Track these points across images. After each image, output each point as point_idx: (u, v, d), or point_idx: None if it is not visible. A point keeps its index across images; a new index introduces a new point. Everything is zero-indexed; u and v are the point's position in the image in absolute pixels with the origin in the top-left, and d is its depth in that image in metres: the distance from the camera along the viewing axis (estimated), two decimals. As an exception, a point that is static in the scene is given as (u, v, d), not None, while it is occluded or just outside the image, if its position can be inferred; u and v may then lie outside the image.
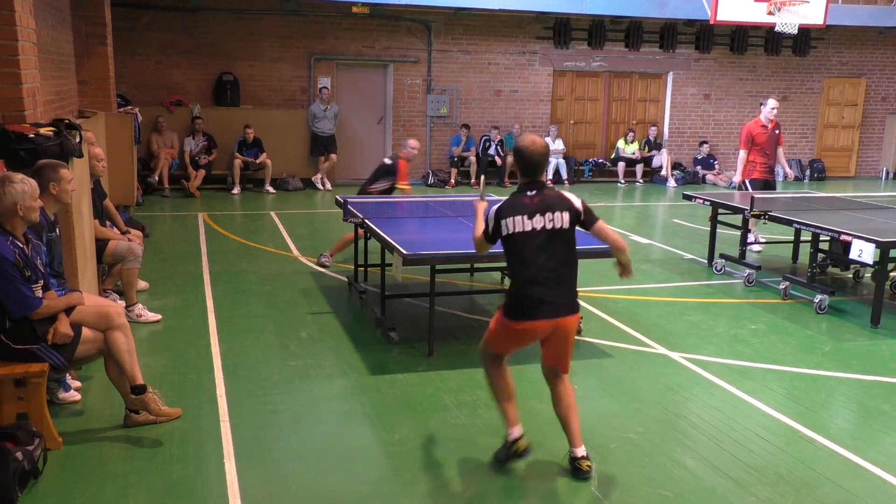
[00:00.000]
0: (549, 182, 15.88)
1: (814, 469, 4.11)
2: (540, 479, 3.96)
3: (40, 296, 4.06)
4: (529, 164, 3.90)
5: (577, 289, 3.93)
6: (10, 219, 3.97)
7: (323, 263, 8.19)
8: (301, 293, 7.23)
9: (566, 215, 3.83)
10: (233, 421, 4.49)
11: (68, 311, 4.22)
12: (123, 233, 6.69)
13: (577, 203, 3.88)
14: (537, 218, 3.80)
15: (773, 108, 9.29)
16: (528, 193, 3.87)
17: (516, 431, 3.98)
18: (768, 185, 9.37)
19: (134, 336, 4.45)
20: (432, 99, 15.29)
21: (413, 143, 8.42)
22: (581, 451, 3.94)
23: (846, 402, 5.11)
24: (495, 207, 3.95)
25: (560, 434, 4.42)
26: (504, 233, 3.87)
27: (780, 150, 9.49)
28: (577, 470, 3.92)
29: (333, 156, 14.21)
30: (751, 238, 8.55)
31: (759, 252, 9.30)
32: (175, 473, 3.90)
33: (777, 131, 9.35)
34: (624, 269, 4.02)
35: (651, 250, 9.56)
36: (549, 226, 3.80)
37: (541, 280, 3.76)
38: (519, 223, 3.82)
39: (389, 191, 8.20)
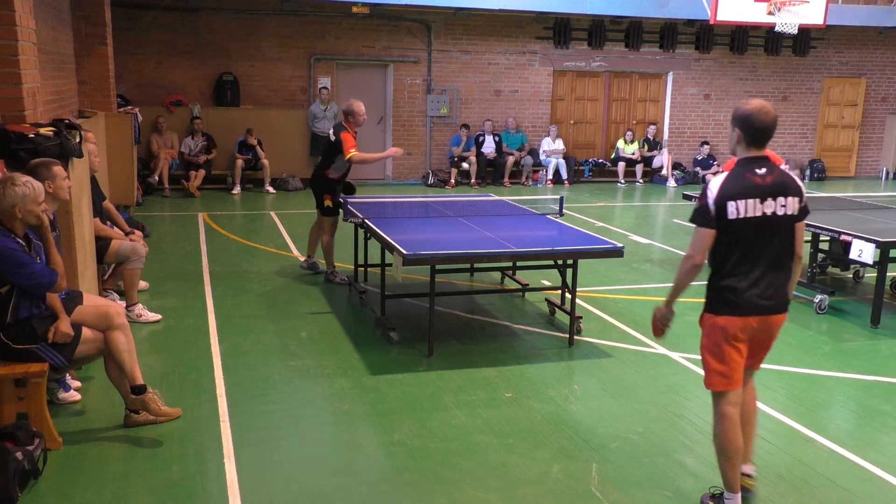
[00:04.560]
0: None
1: (814, 469, 4.12)
2: (540, 479, 3.96)
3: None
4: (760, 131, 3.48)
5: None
6: (10, 220, 3.97)
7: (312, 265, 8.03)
8: (301, 293, 7.23)
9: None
10: (233, 421, 4.49)
11: (69, 310, 4.23)
12: (127, 233, 6.61)
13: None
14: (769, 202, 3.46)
15: None
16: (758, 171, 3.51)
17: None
18: None
19: (134, 336, 4.46)
20: (432, 99, 15.29)
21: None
22: (747, 469, 3.67)
23: (846, 402, 5.12)
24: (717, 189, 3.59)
25: (563, 435, 4.42)
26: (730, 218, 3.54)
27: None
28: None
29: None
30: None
31: None
32: (175, 473, 3.90)
33: None
34: None
35: (651, 250, 9.56)
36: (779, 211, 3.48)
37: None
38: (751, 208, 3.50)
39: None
